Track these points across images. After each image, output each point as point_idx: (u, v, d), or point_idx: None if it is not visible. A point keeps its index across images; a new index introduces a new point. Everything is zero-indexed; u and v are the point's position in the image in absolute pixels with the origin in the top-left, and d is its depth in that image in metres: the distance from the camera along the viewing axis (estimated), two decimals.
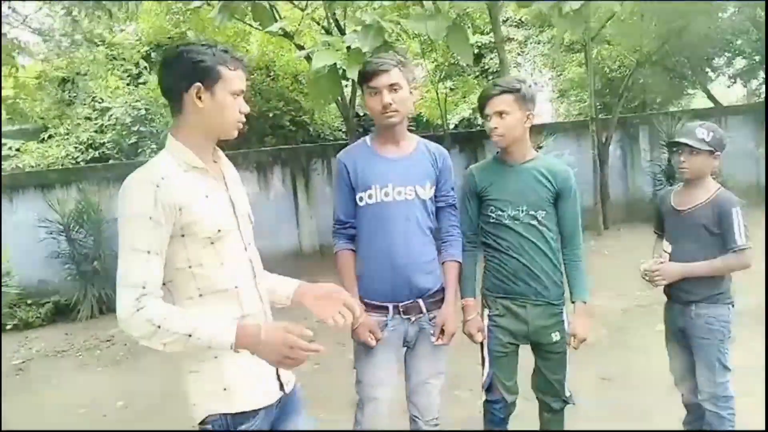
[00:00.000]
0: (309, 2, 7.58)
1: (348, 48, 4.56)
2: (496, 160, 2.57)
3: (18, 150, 8.69)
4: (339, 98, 8.14)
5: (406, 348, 2.43)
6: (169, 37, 9.14)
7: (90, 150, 8.85)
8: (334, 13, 7.87)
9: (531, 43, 13.17)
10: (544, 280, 2.46)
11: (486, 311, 2.57)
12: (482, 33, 11.60)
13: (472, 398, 2.63)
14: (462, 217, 2.57)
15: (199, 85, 1.64)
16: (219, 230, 1.66)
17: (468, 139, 9.73)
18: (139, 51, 9.65)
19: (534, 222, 2.45)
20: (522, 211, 2.45)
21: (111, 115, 8.86)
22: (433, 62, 10.02)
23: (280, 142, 9.64)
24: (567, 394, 2.57)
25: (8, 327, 6.61)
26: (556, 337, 2.47)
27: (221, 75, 1.66)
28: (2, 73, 5.44)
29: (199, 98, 1.65)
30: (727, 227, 2.48)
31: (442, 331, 2.36)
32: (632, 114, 10.69)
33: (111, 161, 8.71)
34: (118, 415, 4.08)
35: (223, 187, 1.77)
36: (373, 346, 2.32)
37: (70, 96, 9.13)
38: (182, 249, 1.63)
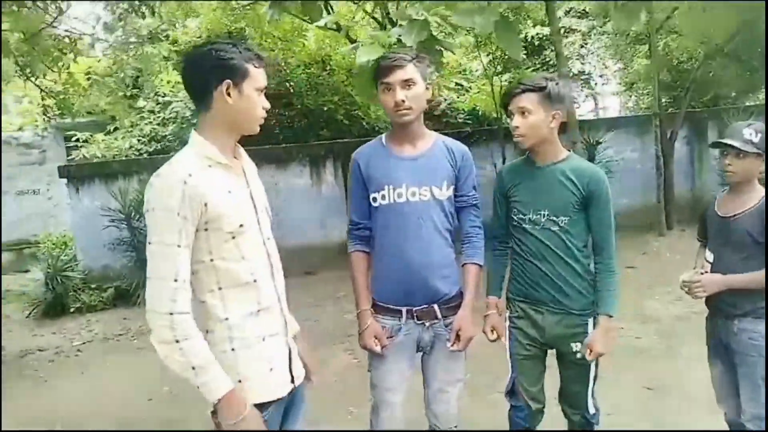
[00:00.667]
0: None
1: (398, 41, 4.54)
2: (525, 161, 2.47)
3: (86, 141, 9.10)
4: None
5: (422, 353, 2.37)
6: (227, 33, 9.33)
7: (153, 142, 9.15)
8: (386, 7, 7.84)
9: (595, 34, 12.71)
10: (565, 288, 2.35)
11: (507, 313, 2.52)
12: (543, 24, 11.30)
13: (507, 402, 2.58)
14: (493, 217, 2.52)
15: (229, 81, 1.69)
16: (241, 225, 1.72)
17: None
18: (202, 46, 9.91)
19: (555, 228, 2.33)
20: (543, 216, 2.34)
21: (172, 109, 9.15)
22: (488, 55, 9.83)
23: (334, 135, 9.68)
24: (591, 411, 2.45)
25: (71, 310, 6.97)
26: (576, 347, 2.36)
27: (249, 72, 1.72)
28: (53, 70, 5.72)
29: (229, 95, 1.70)
30: None
31: (459, 337, 2.28)
32: (700, 108, 10.15)
33: (171, 153, 9.01)
34: (162, 400, 4.23)
35: (245, 183, 1.82)
36: (378, 353, 2.28)
37: (132, 90, 9.49)
38: (204, 243, 1.68)
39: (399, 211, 2.25)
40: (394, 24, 7.93)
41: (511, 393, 2.54)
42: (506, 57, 10.28)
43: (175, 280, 1.59)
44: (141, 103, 9.64)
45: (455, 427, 2.39)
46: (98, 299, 7.21)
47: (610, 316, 2.32)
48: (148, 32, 10.49)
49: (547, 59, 12.27)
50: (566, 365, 2.45)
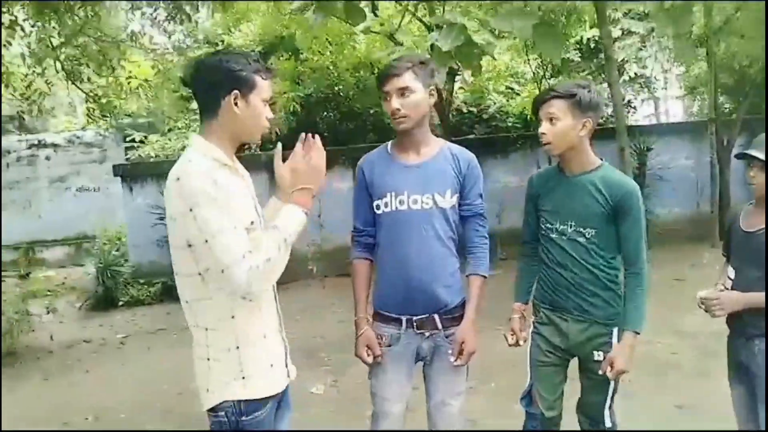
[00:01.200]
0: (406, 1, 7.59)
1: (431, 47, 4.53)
2: (556, 169, 2.42)
3: (141, 142, 9.46)
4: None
5: (423, 364, 2.35)
6: (279, 36, 9.53)
7: None
8: (434, 10, 7.82)
9: (654, 37, 12.26)
10: (590, 298, 2.31)
11: (532, 319, 2.50)
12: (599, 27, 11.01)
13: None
14: (524, 223, 2.53)
15: (237, 92, 1.73)
16: (252, 222, 1.76)
17: None
18: (253, 50, 10.15)
19: (581, 239, 2.29)
20: (570, 227, 2.31)
21: None
22: (536, 59, 9.64)
23: (381, 138, 9.72)
24: (607, 424, 2.38)
25: (120, 303, 7.25)
26: (598, 356, 2.30)
27: (256, 84, 1.76)
28: (99, 74, 5.99)
29: (236, 104, 1.74)
30: None
31: (462, 351, 2.24)
32: (761, 115, 9.64)
33: None
34: (190, 395, 4.35)
35: (246, 186, 1.86)
36: (369, 363, 2.28)
37: (188, 93, 9.79)
38: None
39: (400, 219, 2.23)
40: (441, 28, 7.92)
41: (528, 399, 2.50)
42: (564, 60, 10.06)
43: (244, 257, 1.62)
44: (195, 105, 9.94)
45: None
46: (146, 294, 7.47)
47: (637, 333, 2.24)
48: (204, 36, 10.87)
49: (603, 62, 11.93)
50: (586, 375, 2.41)
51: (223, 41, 10.64)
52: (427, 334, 2.26)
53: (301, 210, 1.79)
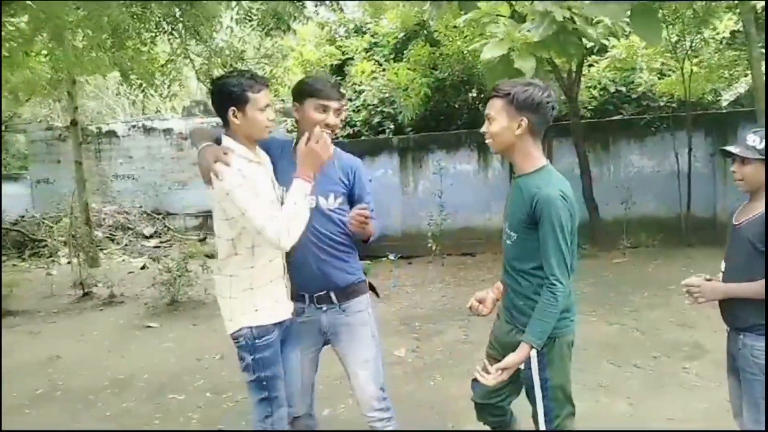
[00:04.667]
0: None
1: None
2: None
3: None
4: (555, 79, 8.04)
5: (332, 343, 2.66)
6: (416, 24, 10.01)
7: (347, 127, 10.26)
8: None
9: None
10: (514, 301, 2.34)
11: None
12: None
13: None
14: None
15: (234, 108, 2.30)
16: (271, 201, 2.34)
17: (717, 121, 8.63)
18: (396, 37, 10.73)
19: (509, 242, 2.32)
20: (506, 227, 2.36)
21: (363, 97, 10.14)
22: (675, 36, 8.96)
23: None
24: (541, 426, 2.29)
25: None
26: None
27: (248, 98, 2.31)
28: None
29: (236, 117, 2.31)
30: None
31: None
32: None
33: (363, 137, 10.03)
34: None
35: (266, 171, 2.44)
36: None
37: (337, 78, 10.66)
38: None
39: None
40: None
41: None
42: (737, 31, 9.21)
43: (272, 220, 2.18)
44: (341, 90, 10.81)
45: (386, 408, 2.62)
46: None
47: (532, 347, 2.18)
48: (354, 26, 11.70)
49: None
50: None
51: (370, 29, 11.38)
52: (324, 308, 2.58)
53: (303, 180, 2.24)
